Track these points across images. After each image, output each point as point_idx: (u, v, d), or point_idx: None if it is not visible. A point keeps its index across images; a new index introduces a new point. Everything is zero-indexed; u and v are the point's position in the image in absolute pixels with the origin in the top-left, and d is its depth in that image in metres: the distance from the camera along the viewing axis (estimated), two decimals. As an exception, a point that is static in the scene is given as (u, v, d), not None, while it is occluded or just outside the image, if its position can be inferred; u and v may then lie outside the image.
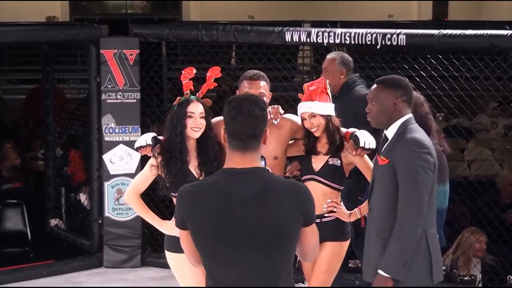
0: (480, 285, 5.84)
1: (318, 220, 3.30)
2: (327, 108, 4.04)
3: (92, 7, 18.41)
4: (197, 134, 3.95)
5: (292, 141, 4.21)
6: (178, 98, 3.99)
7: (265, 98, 4.01)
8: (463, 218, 6.32)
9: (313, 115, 4.01)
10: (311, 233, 2.76)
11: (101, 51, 6.34)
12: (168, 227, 4.01)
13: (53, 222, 7.36)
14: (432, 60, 5.81)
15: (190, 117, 3.92)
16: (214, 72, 4.06)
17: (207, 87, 4.05)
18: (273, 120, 4.09)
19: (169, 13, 18.61)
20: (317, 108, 3.99)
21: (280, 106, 4.17)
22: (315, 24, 12.09)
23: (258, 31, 6.05)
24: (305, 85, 4.13)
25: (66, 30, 7.06)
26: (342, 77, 5.43)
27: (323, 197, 4.08)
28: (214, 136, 3.99)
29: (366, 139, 3.92)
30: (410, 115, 3.59)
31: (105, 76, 6.33)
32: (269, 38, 5.98)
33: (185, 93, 3.98)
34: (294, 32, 5.82)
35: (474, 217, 6.30)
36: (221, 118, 4.16)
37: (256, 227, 2.62)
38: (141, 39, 6.39)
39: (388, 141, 3.59)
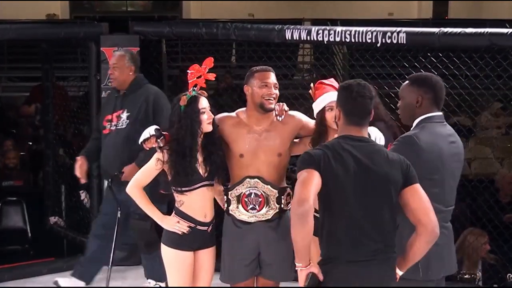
0: (480, 283, 5.84)
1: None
2: None
3: (93, 6, 18.41)
4: (211, 127, 4.00)
5: (298, 139, 4.21)
6: (183, 97, 3.98)
7: (277, 91, 4.04)
8: (463, 217, 6.30)
9: None
10: (412, 193, 3.21)
11: (101, 48, 6.33)
12: (168, 223, 4.02)
13: (52, 220, 7.36)
14: (433, 59, 5.80)
15: (203, 112, 3.96)
16: (208, 64, 4.07)
17: (204, 79, 4.06)
18: (278, 117, 4.11)
19: (170, 11, 18.60)
20: None
21: (285, 104, 4.19)
22: (315, 22, 12.11)
23: (258, 29, 6.04)
24: (317, 83, 4.13)
25: (66, 28, 7.07)
26: (131, 73, 5.50)
27: None
28: (217, 127, 4.06)
29: (377, 135, 3.90)
30: (433, 114, 3.55)
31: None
32: (269, 36, 5.96)
33: (189, 90, 3.98)
34: (294, 30, 5.80)
35: (474, 215, 6.29)
36: (225, 114, 4.20)
37: (367, 180, 3.17)
38: (141, 36, 6.38)
39: None
